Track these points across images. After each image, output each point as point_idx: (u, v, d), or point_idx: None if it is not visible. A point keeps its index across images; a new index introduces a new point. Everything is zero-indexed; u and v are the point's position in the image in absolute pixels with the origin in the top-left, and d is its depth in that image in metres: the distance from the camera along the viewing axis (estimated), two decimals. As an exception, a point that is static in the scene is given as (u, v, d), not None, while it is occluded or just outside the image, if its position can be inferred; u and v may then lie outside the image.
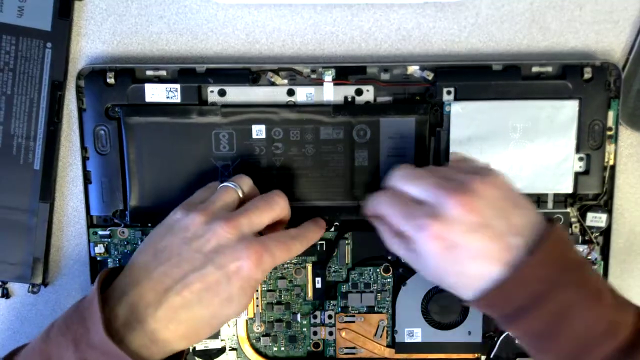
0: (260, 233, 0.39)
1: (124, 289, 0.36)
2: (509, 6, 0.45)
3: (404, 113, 0.44)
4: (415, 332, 0.47)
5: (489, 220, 0.34)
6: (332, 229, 0.46)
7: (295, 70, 0.44)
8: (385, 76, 0.44)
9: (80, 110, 0.44)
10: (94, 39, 0.45)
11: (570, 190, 0.45)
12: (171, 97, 0.44)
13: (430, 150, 0.45)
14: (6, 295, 0.47)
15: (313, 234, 0.42)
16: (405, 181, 0.38)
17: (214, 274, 0.35)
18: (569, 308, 0.33)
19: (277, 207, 0.39)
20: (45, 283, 0.47)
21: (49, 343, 0.35)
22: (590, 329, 0.33)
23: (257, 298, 0.47)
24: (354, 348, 0.48)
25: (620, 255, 0.48)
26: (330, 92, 0.44)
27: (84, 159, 0.45)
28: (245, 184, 0.41)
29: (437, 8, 0.45)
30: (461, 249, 0.34)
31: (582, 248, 0.46)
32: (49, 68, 0.44)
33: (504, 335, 0.46)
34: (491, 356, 0.47)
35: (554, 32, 0.45)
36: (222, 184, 0.40)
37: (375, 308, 0.47)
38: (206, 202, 0.38)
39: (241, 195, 0.40)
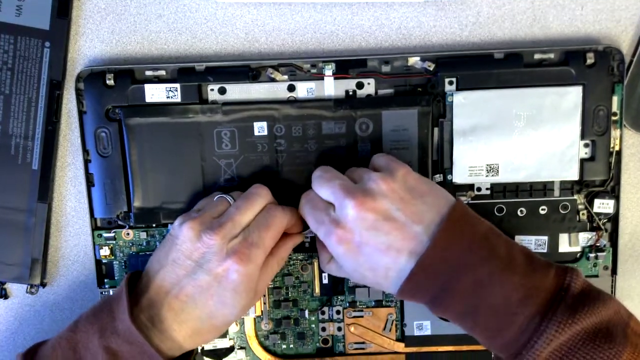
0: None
1: (141, 290, 0.39)
2: (510, 5, 0.45)
3: (406, 105, 0.44)
4: (425, 324, 0.47)
5: (391, 214, 0.36)
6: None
7: (295, 65, 0.44)
8: (386, 68, 0.44)
9: (81, 113, 0.44)
10: (92, 38, 0.45)
11: (576, 177, 0.44)
12: (171, 97, 0.44)
13: (433, 141, 0.44)
14: (4, 296, 0.47)
15: (291, 212, 0.42)
16: (317, 184, 0.40)
17: (205, 278, 0.38)
18: (481, 285, 0.34)
19: (258, 198, 0.40)
20: (43, 284, 0.46)
21: (77, 332, 0.37)
22: (507, 300, 0.34)
23: (264, 296, 0.47)
24: (363, 343, 0.47)
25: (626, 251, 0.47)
26: (331, 87, 0.44)
27: (86, 162, 0.44)
28: (237, 195, 0.42)
29: (437, 7, 0.45)
30: (366, 246, 0.36)
31: (590, 235, 0.46)
32: (48, 67, 0.44)
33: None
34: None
35: (555, 30, 0.45)
36: (217, 196, 0.41)
37: (384, 302, 0.47)
38: (201, 211, 0.40)
39: (232, 202, 0.41)
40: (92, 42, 0.45)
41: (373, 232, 0.36)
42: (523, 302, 0.34)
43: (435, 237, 0.35)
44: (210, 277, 0.38)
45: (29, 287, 0.46)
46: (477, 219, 0.37)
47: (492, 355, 0.46)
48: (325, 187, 0.39)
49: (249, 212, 0.40)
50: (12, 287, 0.48)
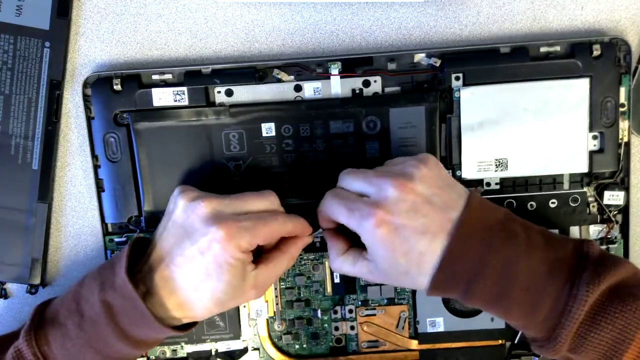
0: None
1: (148, 253, 0.40)
2: (510, 5, 0.45)
3: (413, 102, 0.44)
4: (438, 321, 0.47)
5: (428, 198, 0.37)
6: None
7: (301, 65, 0.44)
8: (392, 66, 0.44)
9: (89, 119, 0.44)
10: (92, 38, 0.45)
11: (585, 169, 0.44)
12: (179, 100, 0.44)
13: (441, 137, 0.44)
14: (4, 296, 0.47)
15: (296, 222, 0.41)
16: (347, 178, 0.40)
17: (190, 248, 0.38)
18: (510, 264, 0.36)
19: (263, 198, 0.40)
20: (43, 284, 0.47)
21: (82, 286, 0.39)
22: (535, 275, 0.36)
23: (276, 297, 0.47)
24: (376, 341, 0.47)
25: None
26: (337, 86, 0.44)
27: (96, 167, 0.45)
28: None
29: (437, 7, 0.45)
30: (406, 228, 0.36)
31: (600, 227, 0.45)
32: (48, 67, 0.44)
33: (527, 319, 0.46)
34: (515, 342, 0.47)
35: (555, 31, 0.45)
36: None
37: (396, 300, 0.47)
38: None
39: None
40: (92, 42, 0.45)
41: (412, 214, 0.36)
42: (551, 274, 0.36)
43: (460, 225, 0.36)
44: (195, 248, 0.38)
45: (29, 287, 0.46)
46: (493, 206, 0.38)
47: (514, 343, 0.46)
48: (357, 178, 0.39)
49: (250, 202, 0.40)
50: (12, 287, 0.48)
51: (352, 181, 0.39)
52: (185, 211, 0.39)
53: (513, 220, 0.38)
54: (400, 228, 0.36)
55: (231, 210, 0.39)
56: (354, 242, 0.41)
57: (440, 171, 0.39)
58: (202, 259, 0.37)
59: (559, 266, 0.36)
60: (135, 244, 0.40)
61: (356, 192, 0.39)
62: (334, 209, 0.39)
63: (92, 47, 0.45)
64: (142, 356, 0.47)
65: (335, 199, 0.39)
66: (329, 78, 0.44)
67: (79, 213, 0.47)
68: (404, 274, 0.37)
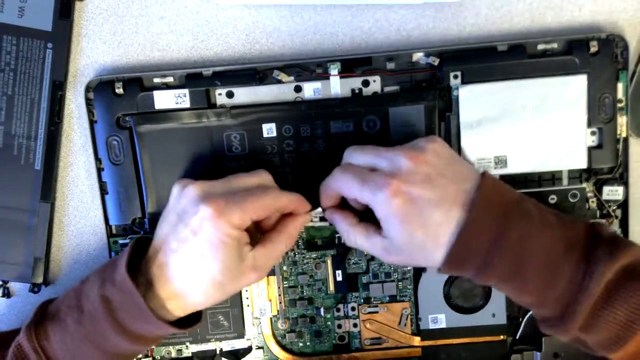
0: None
1: (150, 250, 0.40)
2: (508, 7, 0.45)
3: (412, 101, 0.44)
4: (440, 318, 0.47)
5: (441, 170, 0.37)
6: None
7: (300, 66, 0.44)
8: (390, 65, 0.44)
9: (92, 122, 0.45)
10: (94, 40, 0.46)
11: (584, 165, 0.45)
12: (180, 103, 0.44)
13: (440, 135, 0.45)
14: (7, 295, 0.48)
15: (291, 196, 0.41)
16: (355, 154, 0.40)
17: (183, 231, 0.38)
18: (526, 239, 0.36)
19: (257, 175, 0.41)
20: (46, 283, 0.47)
21: (85, 283, 0.40)
22: (551, 251, 0.36)
23: (279, 295, 0.47)
24: (379, 338, 0.48)
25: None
26: (337, 86, 0.45)
27: (99, 170, 0.45)
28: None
29: (436, 9, 0.45)
30: (422, 199, 0.36)
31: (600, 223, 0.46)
32: (50, 68, 0.44)
33: (528, 315, 0.46)
34: (517, 337, 0.47)
35: (555, 31, 0.45)
36: None
37: (398, 297, 0.47)
38: None
39: None
40: (94, 43, 0.46)
41: (427, 185, 0.36)
42: (567, 251, 0.36)
43: (480, 194, 0.36)
44: (187, 230, 0.38)
45: (31, 286, 0.47)
46: (506, 185, 0.39)
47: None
48: (367, 152, 0.39)
49: (241, 180, 0.40)
50: (15, 286, 0.48)
51: (361, 156, 0.39)
52: (178, 198, 0.39)
53: (527, 199, 0.38)
54: (415, 199, 0.36)
55: (221, 190, 0.39)
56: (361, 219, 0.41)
57: (449, 148, 0.39)
58: (196, 239, 0.37)
59: (573, 244, 0.36)
60: (139, 242, 0.41)
61: (366, 166, 0.39)
62: (344, 183, 0.38)
63: (94, 49, 0.46)
64: (147, 356, 0.48)
65: (346, 173, 0.39)
66: (328, 78, 0.44)
67: (81, 213, 0.47)
68: (420, 249, 0.37)
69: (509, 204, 0.37)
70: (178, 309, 0.39)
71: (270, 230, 0.41)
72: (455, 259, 0.36)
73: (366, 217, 0.40)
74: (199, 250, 0.37)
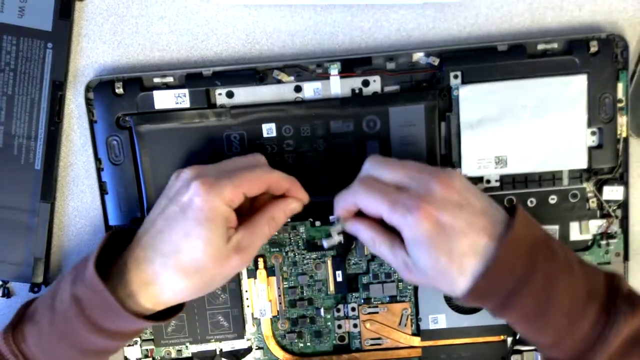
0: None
1: (132, 241, 0.39)
2: (508, 7, 0.45)
3: (413, 101, 0.44)
4: (440, 318, 0.47)
5: (471, 200, 0.36)
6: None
7: (300, 66, 0.44)
8: (390, 65, 0.44)
9: (92, 122, 0.45)
10: (94, 40, 0.46)
11: (584, 165, 0.44)
12: (180, 103, 0.44)
13: (441, 135, 0.45)
14: (7, 294, 0.48)
15: (284, 175, 0.40)
16: (383, 169, 0.38)
17: (172, 208, 0.38)
18: (552, 280, 0.35)
19: (251, 156, 0.41)
20: (46, 283, 0.47)
21: (60, 281, 0.39)
22: (575, 297, 0.35)
23: (279, 296, 0.47)
24: (379, 339, 0.48)
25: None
26: (337, 86, 0.44)
27: (99, 170, 0.45)
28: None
29: (436, 9, 0.45)
30: (451, 226, 0.35)
31: (600, 223, 0.46)
32: (50, 68, 0.44)
33: (528, 315, 0.46)
34: (517, 337, 0.47)
35: (555, 31, 0.45)
36: None
37: (398, 297, 0.47)
38: None
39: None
40: (94, 43, 0.46)
41: (458, 213, 0.35)
42: (589, 298, 0.35)
43: (513, 229, 0.35)
44: (177, 207, 0.37)
45: (31, 286, 0.47)
46: (536, 221, 0.37)
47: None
48: (395, 170, 0.38)
49: (235, 161, 0.40)
50: (15, 286, 0.48)
51: (389, 173, 0.38)
52: (172, 182, 0.39)
53: (553, 239, 0.37)
54: (445, 225, 0.35)
55: (215, 171, 0.39)
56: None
57: (470, 182, 0.38)
58: (183, 216, 0.37)
59: (595, 292, 0.35)
60: (115, 236, 0.40)
61: (393, 184, 0.38)
62: (371, 202, 0.37)
63: (94, 49, 0.46)
64: (147, 356, 0.48)
65: (372, 191, 0.37)
66: (328, 78, 0.44)
67: (81, 212, 0.47)
68: (443, 275, 0.36)
69: (538, 242, 0.36)
70: (151, 299, 0.38)
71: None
72: (479, 291, 0.35)
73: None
74: (185, 228, 0.36)
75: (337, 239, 0.42)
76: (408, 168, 0.38)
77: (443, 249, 0.35)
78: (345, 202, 0.39)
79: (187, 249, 0.37)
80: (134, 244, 0.39)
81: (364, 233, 0.39)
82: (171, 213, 0.37)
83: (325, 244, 0.42)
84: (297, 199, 0.41)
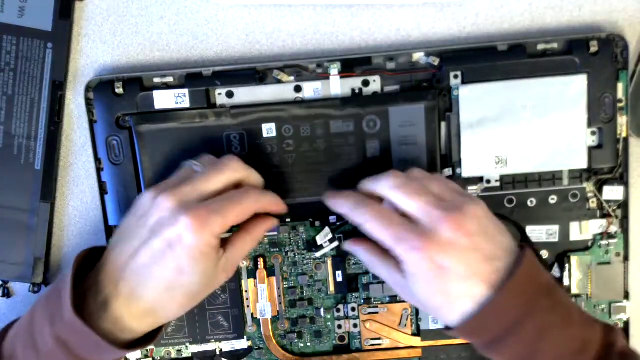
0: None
1: (100, 266, 0.37)
2: (508, 7, 0.45)
3: (413, 100, 0.44)
4: (440, 318, 0.47)
5: (479, 244, 0.35)
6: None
7: (300, 66, 0.44)
8: (390, 65, 0.44)
9: (91, 122, 0.45)
10: (94, 40, 0.46)
11: (585, 165, 0.44)
12: (180, 103, 0.44)
13: (441, 135, 0.45)
14: (7, 294, 0.48)
15: (270, 198, 0.41)
16: (400, 195, 0.37)
17: (158, 244, 0.36)
18: (545, 331, 0.34)
19: (226, 169, 0.39)
20: (46, 283, 0.47)
21: (34, 316, 0.37)
22: (566, 349, 0.35)
23: (279, 296, 0.47)
24: (379, 339, 0.48)
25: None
26: (337, 86, 0.44)
27: (99, 170, 0.45)
28: (207, 161, 0.40)
29: (436, 9, 0.45)
30: (452, 270, 0.35)
31: (600, 222, 0.46)
32: (50, 68, 0.44)
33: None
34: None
35: (555, 31, 0.45)
36: (183, 165, 0.41)
37: (398, 297, 0.47)
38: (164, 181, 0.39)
39: (198, 170, 0.39)
40: (94, 43, 0.46)
41: (462, 258, 0.35)
42: (580, 352, 0.35)
43: (514, 276, 0.34)
44: (164, 243, 0.36)
45: (31, 286, 0.47)
46: (543, 269, 0.37)
47: None
48: (411, 199, 0.37)
49: (213, 180, 0.38)
50: (15, 286, 0.48)
51: (404, 200, 0.37)
52: (149, 209, 0.37)
53: (557, 287, 0.36)
54: (445, 269, 0.35)
55: (196, 196, 0.37)
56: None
57: (492, 218, 0.37)
58: (173, 253, 0.35)
59: (588, 346, 0.35)
60: (83, 258, 0.38)
61: (402, 211, 0.37)
62: (377, 230, 0.37)
63: (94, 49, 0.46)
64: (147, 357, 0.48)
65: (380, 221, 0.37)
66: (328, 78, 0.44)
67: (81, 213, 0.47)
68: (434, 308, 0.37)
69: (539, 291, 0.35)
70: (147, 326, 0.38)
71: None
72: (468, 330, 0.36)
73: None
74: (176, 265, 0.36)
75: (328, 247, 0.45)
76: (424, 200, 0.37)
77: (439, 289, 0.36)
78: (349, 216, 0.39)
79: (182, 284, 0.36)
80: (112, 274, 0.37)
81: (364, 256, 0.41)
82: (157, 248, 0.36)
83: (317, 255, 0.45)
84: (275, 219, 0.42)
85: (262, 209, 0.40)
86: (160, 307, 0.37)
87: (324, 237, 0.46)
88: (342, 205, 0.40)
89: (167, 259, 0.36)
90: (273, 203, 0.41)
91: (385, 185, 0.38)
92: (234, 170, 0.39)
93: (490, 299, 0.34)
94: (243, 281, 0.47)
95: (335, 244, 0.46)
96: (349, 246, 0.42)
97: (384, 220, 0.37)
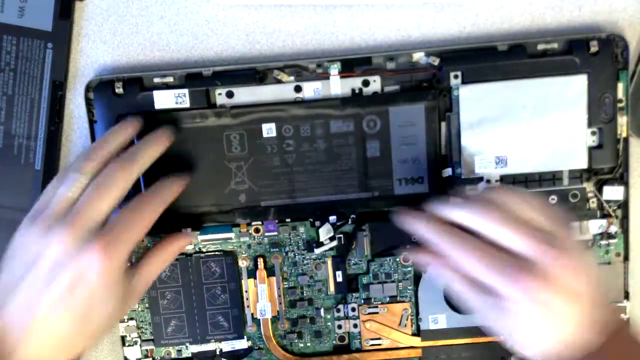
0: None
1: None
2: (508, 7, 0.45)
3: (413, 100, 0.44)
4: (440, 318, 0.47)
5: (590, 292, 0.34)
6: (350, 222, 0.46)
7: (300, 66, 0.44)
8: (390, 65, 0.44)
9: (91, 122, 0.45)
10: (94, 40, 0.46)
11: (585, 165, 0.44)
12: (180, 103, 0.44)
13: (441, 135, 0.45)
14: None
15: (166, 189, 0.40)
16: (495, 225, 0.35)
17: (63, 284, 0.33)
18: None
19: (113, 181, 0.35)
20: None
21: None
22: None
23: (279, 296, 0.47)
24: (379, 339, 0.48)
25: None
26: (337, 86, 0.44)
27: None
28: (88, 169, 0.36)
29: (436, 9, 0.45)
30: (558, 314, 0.33)
31: (600, 222, 0.46)
32: (50, 68, 0.44)
33: (528, 315, 0.46)
34: (517, 337, 0.47)
35: (555, 31, 0.45)
36: (58, 177, 0.37)
37: (398, 297, 0.47)
38: (46, 207, 0.35)
39: (85, 182, 0.36)
40: (94, 43, 0.46)
41: (574, 304, 0.33)
42: None
43: (619, 335, 0.34)
44: (66, 285, 0.33)
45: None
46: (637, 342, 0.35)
47: None
48: (508, 229, 0.34)
49: (102, 199, 0.35)
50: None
51: (496, 231, 0.35)
52: (40, 251, 0.33)
53: None
54: (551, 310, 0.33)
55: (92, 223, 0.34)
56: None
57: (587, 263, 0.35)
58: (80, 292, 0.33)
59: None
60: None
61: (502, 244, 0.35)
62: (465, 258, 0.35)
63: (94, 49, 0.46)
64: (147, 357, 0.48)
65: (470, 247, 0.35)
66: (328, 78, 0.44)
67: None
68: (521, 343, 0.35)
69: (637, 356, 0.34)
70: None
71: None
72: None
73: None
74: (88, 299, 0.33)
75: (328, 245, 0.45)
76: (520, 230, 0.34)
77: (538, 333, 0.34)
78: (430, 241, 0.37)
79: (98, 316, 0.34)
80: (10, 339, 0.32)
81: (454, 284, 0.37)
82: (58, 293, 0.33)
83: (317, 251, 0.45)
84: (187, 239, 0.42)
85: (168, 204, 0.39)
86: (73, 344, 0.34)
87: (326, 234, 0.45)
88: (422, 229, 0.38)
89: (73, 301, 0.33)
90: (175, 193, 0.40)
91: (473, 212, 0.36)
92: (123, 180, 0.36)
93: (596, 349, 0.33)
94: (243, 281, 0.47)
95: (335, 243, 0.46)
96: (435, 270, 0.39)
97: (472, 247, 0.35)
